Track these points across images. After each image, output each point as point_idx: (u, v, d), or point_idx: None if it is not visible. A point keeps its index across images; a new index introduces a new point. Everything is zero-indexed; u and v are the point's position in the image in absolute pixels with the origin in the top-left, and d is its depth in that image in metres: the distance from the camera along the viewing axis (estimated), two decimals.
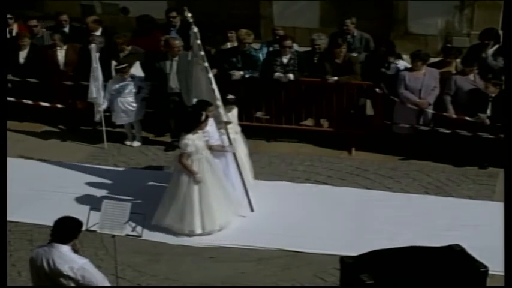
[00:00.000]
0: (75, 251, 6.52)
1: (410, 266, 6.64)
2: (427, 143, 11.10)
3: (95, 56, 11.39)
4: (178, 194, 9.23)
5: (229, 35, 12.35)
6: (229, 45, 12.31)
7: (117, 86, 11.60)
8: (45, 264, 6.38)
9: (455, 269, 6.67)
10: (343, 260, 6.96)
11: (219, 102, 9.67)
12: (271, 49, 12.20)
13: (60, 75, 12.35)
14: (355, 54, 11.92)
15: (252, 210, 9.75)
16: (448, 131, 10.86)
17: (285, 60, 11.67)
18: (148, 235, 8.75)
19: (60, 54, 12.45)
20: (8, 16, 13.66)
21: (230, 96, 10.10)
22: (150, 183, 10.59)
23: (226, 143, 9.67)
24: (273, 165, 11.13)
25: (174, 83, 11.28)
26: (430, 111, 11.01)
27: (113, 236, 7.76)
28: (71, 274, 6.32)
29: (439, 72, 11.13)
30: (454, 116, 10.86)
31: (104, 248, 8.83)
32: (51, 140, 12.21)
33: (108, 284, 6.53)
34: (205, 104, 9.40)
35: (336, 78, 11.37)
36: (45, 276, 6.43)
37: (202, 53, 9.84)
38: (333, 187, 10.46)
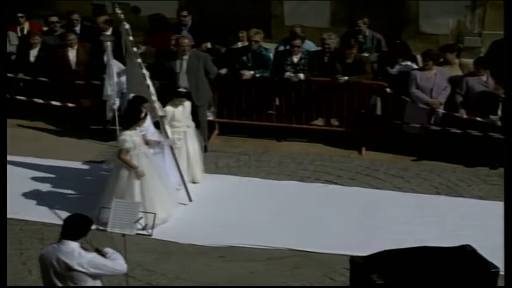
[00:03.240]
0: (85, 248, 6.55)
1: (420, 266, 6.63)
2: (438, 143, 11.06)
3: (110, 54, 11.40)
4: (118, 189, 9.30)
5: (240, 34, 12.35)
6: (240, 44, 12.31)
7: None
8: (54, 261, 6.42)
9: (466, 269, 6.65)
10: (353, 260, 6.96)
11: (154, 98, 9.77)
12: (285, 48, 12.15)
13: (71, 75, 12.37)
14: (366, 54, 11.90)
15: (190, 200, 9.85)
16: (459, 131, 10.83)
17: (295, 59, 11.67)
18: (158, 234, 8.76)
19: (72, 54, 12.47)
20: (20, 15, 13.73)
21: (181, 89, 10.29)
22: None
23: (164, 137, 9.79)
24: (283, 164, 11.12)
25: (183, 82, 11.26)
26: (441, 111, 10.98)
27: (123, 235, 7.77)
28: (81, 269, 6.35)
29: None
30: (465, 116, 10.82)
31: (113, 247, 8.77)
32: (62, 139, 12.23)
33: (122, 266, 6.57)
34: (141, 101, 9.51)
35: (346, 78, 11.35)
36: (55, 273, 6.46)
37: (135, 49, 9.98)
38: (343, 187, 10.45)
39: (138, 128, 9.35)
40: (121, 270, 6.61)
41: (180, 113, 10.24)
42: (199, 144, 10.49)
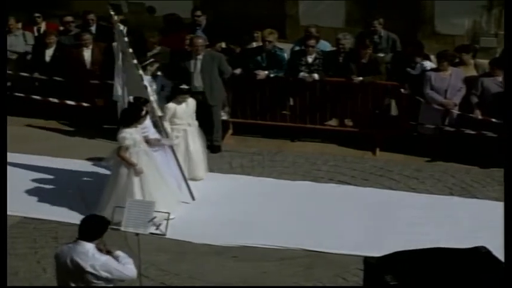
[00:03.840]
0: (100, 249, 6.57)
1: (434, 267, 6.60)
2: (452, 144, 11.03)
3: (119, 54, 11.42)
4: (118, 186, 9.37)
5: (255, 34, 12.35)
6: (254, 44, 12.31)
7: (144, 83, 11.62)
8: (68, 261, 6.44)
9: (480, 271, 6.61)
10: (367, 260, 6.94)
11: (152, 98, 9.83)
12: (301, 48, 12.14)
13: (86, 74, 12.42)
14: (381, 55, 11.88)
15: (193, 199, 9.88)
16: (473, 132, 10.79)
17: (310, 59, 11.67)
18: (172, 234, 8.77)
19: (87, 54, 12.52)
20: (37, 15, 13.81)
21: (184, 86, 10.31)
22: None
23: (164, 136, 9.86)
24: (296, 165, 11.11)
25: (197, 81, 11.30)
26: (455, 111, 10.94)
27: (137, 234, 7.79)
28: (93, 272, 6.37)
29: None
30: (480, 117, 10.77)
31: (127, 246, 8.82)
32: (76, 138, 12.28)
33: (132, 272, 6.58)
34: (144, 101, 9.57)
35: (361, 78, 11.33)
36: (68, 272, 6.49)
37: (131, 50, 10.01)
38: (356, 187, 10.43)
39: (138, 126, 9.40)
40: (131, 276, 6.60)
41: (182, 110, 10.29)
42: (202, 143, 10.52)
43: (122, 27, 10.18)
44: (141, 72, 9.93)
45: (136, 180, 9.35)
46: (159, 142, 9.78)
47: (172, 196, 9.57)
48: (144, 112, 9.43)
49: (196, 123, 10.51)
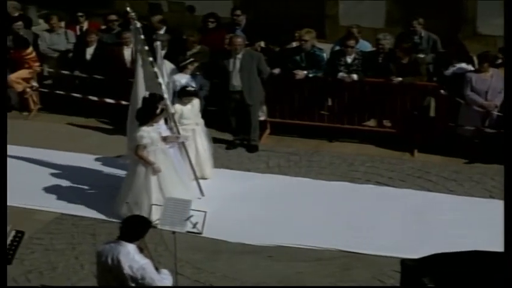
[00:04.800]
0: (141, 249, 6.63)
1: (472, 270, 6.53)
2: (492, 145, 10.88)
3: (160, 53, 11.49)
4: (135, 184, 9.44)
5: (295, 34, 12.33)
6: (294, 44, 12.29)
7: (183, 82, 11.68)
8: (109, 260, 6.51)
9: None
10: (405, 262, 6.89)
11: (166, 95, 9.86)
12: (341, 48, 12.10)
13: (126, 73, 12.52)
14: (422, 55, 11.78)
15: (202, 195, 9.93)
16: None
17: (349, 60, 11.61)
18: (209, 232, 8.75)
19: (127, 52, 12.62)
20: (79, 14, 13.97)
21: (190, 88, 10.42)
22: (209, 181, 10.60)
23: (176, 134, 9.94)
24: (333, 165, 11.07)
25: (236, 81, 11.31)
26: (496, 113, 10.80)
27: (174, 232, 7.84)
28: (130, 273, 6.43)
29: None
30: None
31: (163, 244, 8.92)
32: (115, 136, 12.32)
33: (165, 285, 6.60)
34: (159, 98, 9.59)
35: (400, 78, 11.25)
36: (108, 271, 6.57)
37: (146, 47, 10.03)
38: (394, 189, 10.35)
39: (155, 124, 9.46)
40: None
41: (189, 110, 10.37)
42: (209, 142, 10.59)
43: (138, 24, 10.19)
44: (156, 69, 9.97)
45: (154, 178, 9.43)
46: (177, 139, 9.86)
47: (188, 194, 9.54)
48: (159, 110, 9.48)
49: (202, 122, 10.61)
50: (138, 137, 9.29)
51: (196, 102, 10.54)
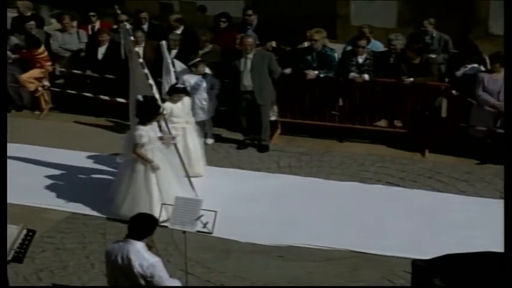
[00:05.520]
0: (150, 247, 6.65)
1: (484, 272, 6.50)
2: (504, 146, 10.82)
3: (166, 52, 11.52)
4: (135, 183, 9.48)
5: (307, 34, 12.31)
6: (306, 44, 12.28)
7: (192, 82, 11.71)
8: (119, 259, 6.53)
9: None
10: (415, 263, 6.87)
11: (157, 96, 9.92)
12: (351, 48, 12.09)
13: None
14: (433, 56, 11.75)
15: (196, 195, 9.89)
16: None
17: (360, 60, 11.59)
18: (219, 232, 8.75)
19: (139, 51, 12.61)
20: (91, 14, 14.02)
21: (179, 85, 10.50)
22: (220, 180, 10.64)
23: (167, 133, 9.96)
24: (344, 165, 11.06)
25: (247, 80, 11.31)
26: None
27: (184, 232, 7.85)
28: (140, 271, 6.44)
29: None
30: None
31: (174, 243, 8.93)
32: (122, 135, 12.41)
33: (174, 285, 6.62)
34: (151, 99, 9.69)
35: (411, 79, 11.22)
36: (118, 269, 6.58)
37: (137, 49, 10.14)
38: (405, 189, 10.33)
39: (153, 123, 9.52)
40: None
41: (179, 109, 10.41)
42: (200, 140, 10.63)
43: (128, 26, 10.30)
44: (146, 71, 10.04)
45: (153, 176, 9.49)
46: (173, 139, 9.89)
47: (183, 192, 9.62)
48: (162, 109, 9.59)
49: (193, 120, 10.65)
50: (138, 135, 9.35)
51: (186, 100, 10.58)
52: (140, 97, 9.83)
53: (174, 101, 10.46)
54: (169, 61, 11.55)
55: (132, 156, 9.54)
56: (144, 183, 9.50)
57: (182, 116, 10.46)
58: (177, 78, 11.55)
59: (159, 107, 9.58)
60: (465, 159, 11.01)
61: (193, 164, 10.55)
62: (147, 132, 9.39)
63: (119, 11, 10.51)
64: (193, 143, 10.55)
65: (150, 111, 9.47)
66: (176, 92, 10.51)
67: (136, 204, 9.38)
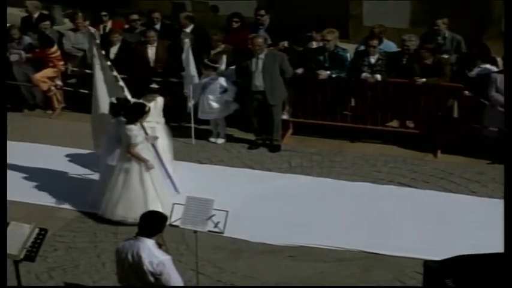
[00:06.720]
0: (160, 245, 6.66)
1: (496, 273, 6.46)
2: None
3: (188, 51, 11.53)
4: (130, 183, 9.52)
5: (314, 34, 12.31)
6: (314, 44, 12.27)
7: (204, 81, 11.74)
8: (129, 257, 6.55)
9: None
10: (427, 264, 6.87)
11: (129, 97, 9.98)
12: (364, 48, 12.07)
13: (149, 72, 12.56)
14: (445, 56, 11.71)
15: (177, 191, 10.00)
16: None
17: (372, 60, 11.57)
18: (230, 232, 8.76)
19: (151, 51, 12.66)
20: (103, 13, 14.05)
21: (154, 85, 10.49)
22: (232, 180, 10.65)
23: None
24: (356, 166, 11.04)
25: (258, 81, 11.31)
26: None
27: (195, 231, 7.85)
28: (150, 268, 6.46)
29: None
30: None
31: (185, 243, 8.95)
32: None
33: (182, 285, 6.64)
34: (124, 100, 9.78)
35: (424, 79, 11.19)
36: (129, 267, 6.60)
37: (103, 52, 10.20)
38: (416, 190, 10.30)
39: (139, 123, 9.56)
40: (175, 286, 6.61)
41: (152, 108, 10.30)
42: (169, 140, 10.59)
43: (92, 30, 10.48)
44: (115, 73, 10.08)
45: (148, 175, 9.55)
46: (156, 139, 9.91)
47: (168, 189, 9.83)
48: (147, 108, 9.63)
49: (163, 120, 10.61)
50: (133, 135, 9.36)
51: (159, 100, 10.55)
52: (114, 99, 9.86)
53: (148, 101, 10.30)
54: (189, 60, 11.52)
55: (125, 157, 9.51)
56: (140, 182, 9.53)
57: (154, 115, 10.30)
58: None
59: (145, 106, 9.62)
60: (477, 160, 10.96)
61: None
62: (139, 131, 9.44)
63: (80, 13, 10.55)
64: (161, 143, 10.34)
65: (138, 111, 9.51)
66: (150, 92, 10.45)
67: (132, 204, 9.44)
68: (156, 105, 10.44)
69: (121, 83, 10.11)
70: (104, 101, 10.24)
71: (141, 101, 9.87)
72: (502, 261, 6.60)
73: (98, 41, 10.31)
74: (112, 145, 9.67)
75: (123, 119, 9.48)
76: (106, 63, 10.11)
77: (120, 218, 9.48)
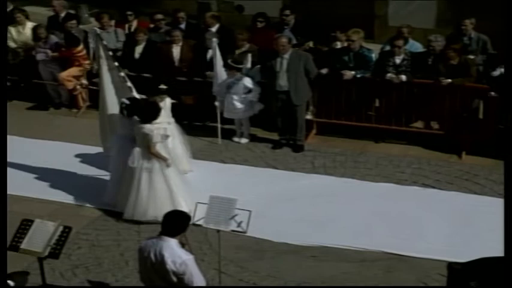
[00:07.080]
0: (182, 244, 6.68)
1: None
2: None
3: (216, 50, 11.55)
4: (155, 182, 9.52)
5: (337, 34, 12.28)
6: (339, 44, 12.24)
7: (229, 81, 11.75)
8: (152, 256, 6.56)
9: None
10: (451, 266, 6.83)
11: (138, 96, 10.03)
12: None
13: (174, 71, 12.60)
14: (471, 57, 11.63)
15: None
16: None
17: (397, 60, 11.51)
18: (253, 232, 8.78)
19: (176, 51, 12.69)
20: (128, 13, 14.12)
21: (162, 86, 10.48)
22: (255, 180, 10.66)
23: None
24: (380, 166, 11.00)
25: (283, 81, 11.30)
26: None
27: (218, 231, 7.87)
28: (173, 268, 6.47)
29: None
30: None
31: (208, 242, 8.97)
32: None
33: (204, 284, 6.65)
34: (133, 100, 9.85)
35: (449, 80, 11.12)
36: (151, 266, 6.61)
37: (111, 53, 10.21)
38: (441, 191, 10.24)
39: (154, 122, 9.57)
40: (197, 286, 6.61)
41: (167, 109, 10.35)
42: (182, 138, 10.64)
43: (98, 31, 10.46)
44: (123, 74, 10.10)
45: (169, 173, 9.56)
46: (167, 138, 9.86)
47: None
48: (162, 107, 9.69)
49: (173, 120, 10.60)
50: (155, 134, 9.38)
51: (168, 101, 10.56)
52: (125, 100, 9.89)
53: (157, 102, 10.29)
54: (217, 59, 11.55)
55: (147, 156, 9.51)
56: (164, 181, 9.55)
57: (163, 115, 10.19)
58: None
59: (159, 105, 9.66)
60: (502, 162, 10.84)
61: (176, 163, 10.38)
62: (158, 130, 9.46)
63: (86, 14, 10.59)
64: (173, 142, 10.37)
65: (153, 111, 9.52)
66: (159, 93, 10.45)
67: (161, 203, 9.42)
68: (165, 106, 10.45)
69: (129, 83, 10.13)
70: (112, 102, 10.29)
71: (153, 100, 9.89)
72: None
73: (104, 42, 10.32)
74: (126, 146, 9.69)
75: (138, 119, 9.51)
76: (113, 64, 10.14)
77: (152, 218, 9.44)
